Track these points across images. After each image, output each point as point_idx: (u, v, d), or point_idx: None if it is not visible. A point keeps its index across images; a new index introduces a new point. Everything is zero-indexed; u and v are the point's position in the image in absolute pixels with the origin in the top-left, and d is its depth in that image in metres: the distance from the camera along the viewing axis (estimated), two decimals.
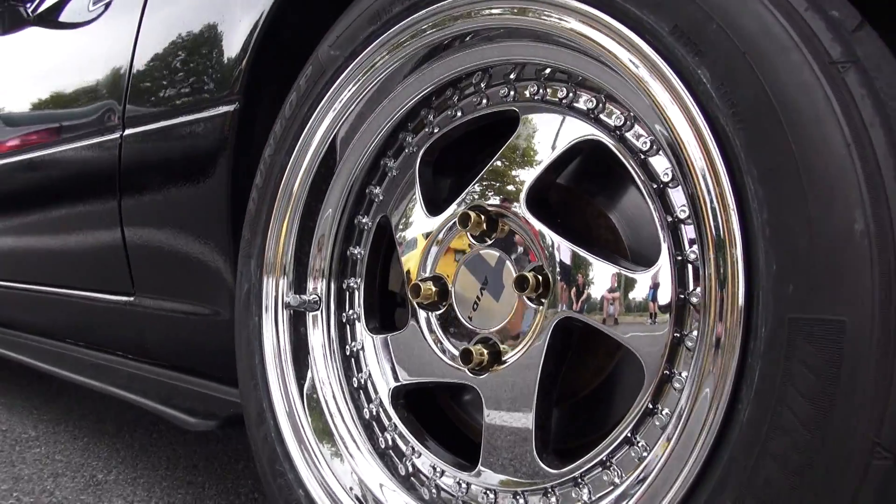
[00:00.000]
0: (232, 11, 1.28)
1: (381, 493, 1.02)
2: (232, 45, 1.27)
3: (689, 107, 0.69)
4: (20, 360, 2.08)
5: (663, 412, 0.80)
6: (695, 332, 0.78)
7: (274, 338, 1.13)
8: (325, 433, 1.08)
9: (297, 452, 1.05)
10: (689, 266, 0.80)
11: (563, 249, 0.88)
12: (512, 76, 1.00)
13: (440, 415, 1.15)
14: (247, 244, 1.19)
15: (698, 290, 0.78)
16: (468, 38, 0.98)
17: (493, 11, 0.89)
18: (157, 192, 1.52)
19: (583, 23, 0.79)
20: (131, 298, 1.71)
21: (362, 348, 1.15)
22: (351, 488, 1.02)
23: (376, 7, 1.02)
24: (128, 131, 1.58)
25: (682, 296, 0.80)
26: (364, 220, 1.17)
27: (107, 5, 1.81)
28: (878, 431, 0.57)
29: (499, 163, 0.96)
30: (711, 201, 0.68)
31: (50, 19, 2.13)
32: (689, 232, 0.80)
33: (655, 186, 0.83)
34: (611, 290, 0.84)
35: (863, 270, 0.58)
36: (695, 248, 0.79)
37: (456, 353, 0.98)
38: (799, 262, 0.60)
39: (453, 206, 1.00)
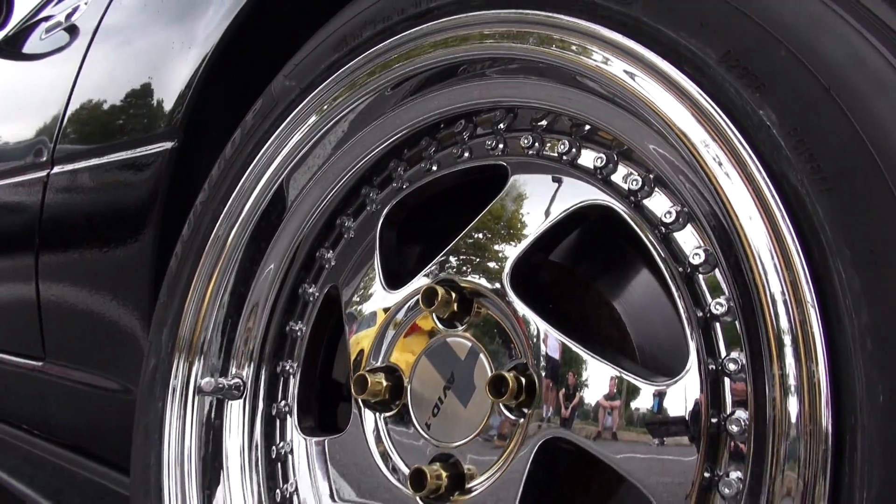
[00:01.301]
0: (180, 42, 1.10)
1: None
2: (176, 78, 1.09)
3: (746, 161, 0.50)
4: None
5: None
6: (734, 474, 0.56)
7: (178, 431, 0.88)
8: None
9: None
10: (727, 380, 0.58)
11: (555, 344, 0.67)
12: (501, 125, 0.81)
13: None
14: (162, 309, 0.97)
15: (739, 412, 0.57)
16: (449, 74, 0.80)
17: (486, 36, 0.71)
18: (78, 241, 1.30)
19: (595, 49, 0.61)
20: (40, 364, 1.46)
21: (291, 451, 0.90)
22: None
23: (343, 31, 0.84)
24: (56, 169, 1.37)
25: (716, 419, 0.58)
26: (311, 290, 0.95)
27: (68, 34, 1.64)
28: None
29: (479, 228, 0.76)
30: (773, 293, 0.47)
31: (10, 49, 1.96)
32: (726, 334, 0.59)
33: (682, 270, 0.63)
34: (617, 405, 0.62)
35: None
36: (735, 355, 0.58)
37: (406, 471, 0.74)
38: None
39: (418, 279, 0.79)
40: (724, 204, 0.51)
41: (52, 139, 1.40)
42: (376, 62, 0.79)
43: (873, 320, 0.42)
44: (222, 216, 0.93)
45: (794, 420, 0.45)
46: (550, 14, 0.66)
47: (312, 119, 0.87)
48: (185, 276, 0.94)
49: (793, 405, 0.45)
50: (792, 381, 0.46)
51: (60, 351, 1.40)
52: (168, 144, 1.08)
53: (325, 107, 0.86)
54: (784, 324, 0.46)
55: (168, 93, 1.11)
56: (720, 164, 0.51)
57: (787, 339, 0.46)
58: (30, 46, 1.79)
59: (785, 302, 0.46)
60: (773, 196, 0.48)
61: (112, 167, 1.21)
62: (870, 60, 0.46)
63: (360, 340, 0.84)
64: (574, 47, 0.62)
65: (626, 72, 0.58)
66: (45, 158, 1.40)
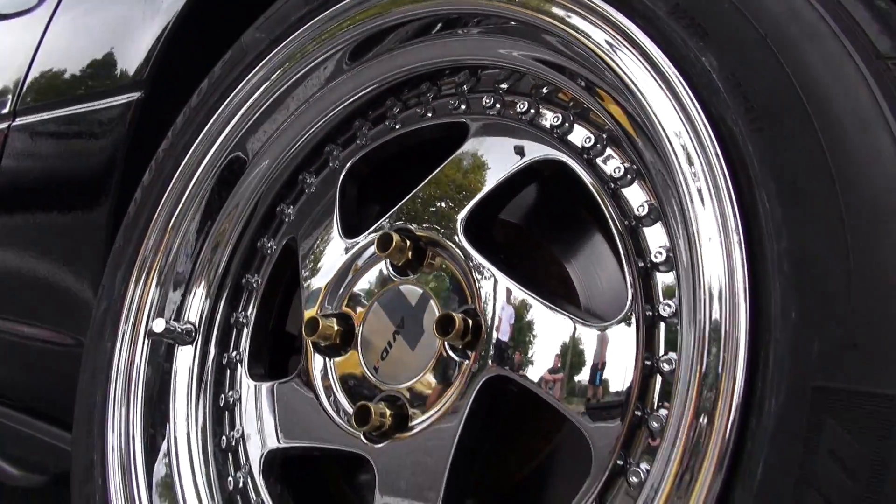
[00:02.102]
0: None
1: None
2: (145, 31, 1.09)
3: (686, 104, 0.53)
4: None
5: None
6: (663, 411, 0.59)
7: (126, 371, 0.88)
8: None
9: None
10: (662, 325, 0.61)
11: (503, 289, 0.69)
12: (465, 87, 0.84)
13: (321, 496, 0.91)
14: (117, 253, 0.96)
15: (671, 354, 0.60)
16: (420, 32, 0.82)
17: None
18: (36, 194, 1.29)
19: (557, 3, 0.64)
20: None
21: (239, 399, 0.91)
22: None
23: None
24: (18, 121, 1.35)
25: (649, 362, 0.61)
26: (269, 244, 0.96)
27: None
28: None
29: (437, 181, 0.78)
30: (706, 228, 0.50)
31: None
32: (664, 281, 0.63)
33: (627, 224, 0.66)
34: (558, 347, 0.65)
35: None
36: (670, 301, 0.61)
37: (351, 411, 0.75)
38: (831, 310, 0.43)
39: (376, 228, 0.81)
40: (665, 147, 0.54)
41: (15, 92, 1.38)
42: (346, 15, 0.81)
43: (790, 245, 0.45)
44: (183, 163, 0.93)
45: (719, 341, 0.48)
46: None
47: (279, 72, 0.89)
48: (143, 222, 0.94)
49: (718, 328, 0.48)
50: (716, 305, 0.48)
51: (8, 307, 1.38)
52: (134, 95, 1.08)
53: (293, 60, 0.87)
54: (712, 250, 0.49)
55: (137, 45, 1.10)
56: (663, 106, 0.54)
57: (715, 267, 0.49)
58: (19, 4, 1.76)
59: (708, 236, 0.49)
60: (708, 136, 0.51)
61: (77, 118, 1.20)
62: (804, 13, 0.50)
63: (314, 287, 0.85)
64: (535, 2, 0.65)
65: (582, 28, 0.61)
66: (6, 111, 1.38)
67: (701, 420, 0.48)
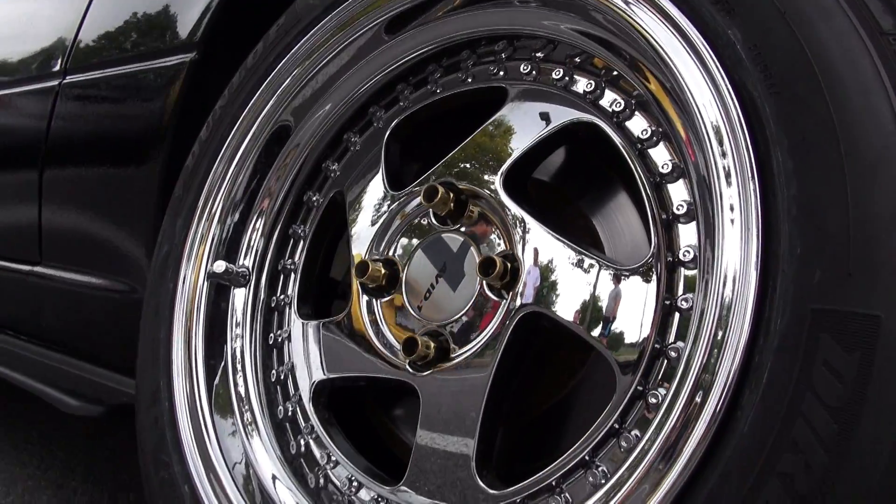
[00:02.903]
0: None
1: (285, 496, 0.85)
2: None
3: (714, 71, 0.60)
4: None
5: (632, 433, 0.68)
6: (680, 343, 0.67)
7: (187, 309, 0.97)
8: (227, 429, 0.92)
9: (189, 442, 0.88)
10: (682, 269, 0.70)
11: (538, 236, 0.77)
12: (503, 54, 0.91)
13: (363, 428, 1.00)
14: (176, 201, 1.05)
15: (689, 295, 0.68)
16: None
17: None
18: (87, 150, 1.37)
19: None
20: (35, 268, 1.52)
21: (288, 337, 1.00)
22: (255, 492, 0.85)
23: None
24: (69, 78, 1.43)
25: (669, 301, 0.69)
26: (315, 197, 1.04)
27: None
28: None
29: (479, 139, 0.86)
30: (728, 176, 0.58)
31: None
32: (684, 231, 0.71)
33: (652, 180, 0.74)
34: (587, 287, 0.73)
35: None
36: (689, 249, 0.69)
37: (398, 345, 0.84)
38: (830, 246, 0.51)
39: (421, 181, 0.89)
40: (693, 108, 0.62)
41: (66, 51, 1.45)
42: None
43: (799, 192, 0.53)
44: (240, 120, 1.01)
45: (730, 272, 0.56)
46: None
47: (332, 38, 0.96)
48: (202, 173, 1.02)
49: (730, 260, 0.56)
50: (732, 246, 0.57)
51: (59, 255, 1.46)
52: (188, 56, 1.15)
53: (345, 27, 0.95)
54: (731, 199, 0.57)
55: (191, 6, 1.17)
56: (693, 76, 0.62)
57: (733, 213, 0.57)
58: None
59: (730, 182, 0.57)
60: (731, 98, 0.59)
61: (129, 77, 1.27)
62: None
63: (362, 236, 0.93)
64: None
65: (621, 4, 0.68)
66: (57, 68, 1.46)
67: (715, 343, 0.56)
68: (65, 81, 1.44)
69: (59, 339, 1.53)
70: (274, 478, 0.88)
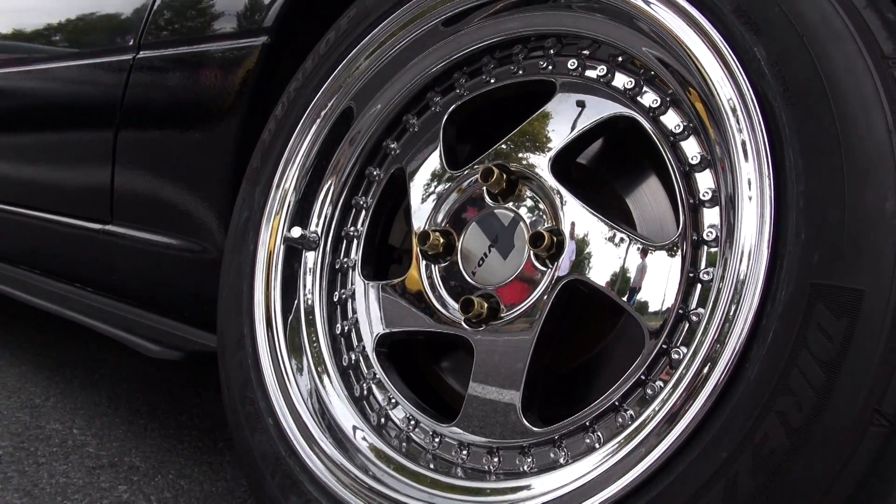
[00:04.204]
0: None
1: (353, 434, 1.00)
2: None
3: (741, 82, 0.72)
4: None
5: (656, 383, 0.82)
6: (701, 309, 0.80)
7: (266, 268, 1.11)
8: (302, 371, 1.06)
9: (272, 381, 1.02)
10: (704, 247, 0.82)
11: (580, 214, 0.90)
12: (552, 50, 1.02)
13: (414, 374, 1.14)
14: (254, 172, 1.18)
15: (710, 269, 0.80)
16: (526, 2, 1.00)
17: None
18: (160, 120, 1.49)
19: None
20: (107, 227, 1.66)
21: (352, 296, 1.14)
22: (328, 425, 1.00)
23: None
24: (142, 53, 1.55)
25: (692, 274, 0.82)
26: (376, 172, 1.17)
27: None
28: (881, 400, 0.59)
29: (530, 126, 0.98)
30: (748, 172, 0.70)
31: None
32: (708, 214, 0.83)
33: (682, 169, 0.86)
34: (623, 259, 0.86)
35: (887, 246, 0.61)
36: (712, 230, 0.81)
37: (455, 305, 0.98)
38: (827, 232, 0.63)
39: (476, 163, 1.01)
40: (720, 111, 0.74)
41: (140, 26, 1.57)
42: None
43: (806, 188, 0.65)
44: (314, 102, 1.13)
45: (746, 251, 0.68)
46: None
47: (398, 30, 1.08)
48: (279, 147, 1.15)
49: (747, 242, 0.69)
50: (749, 230, 0.69)
51: (129, 215, 1.60)
52: (260, 40, 1.27)
53: (412, 22, 1.06)
54: (750, 190, 0.69)
55: None
56: (723, 84, 0.74)
57: (751, 203, 0.69)
58: None
59: (749, 179, 0.69)
60: (755, 106, 0.70)
61: (202, 55, 1.40)
62: (832, 20, 0.68)
63: (421, 209, 1.06)
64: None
65: (665, 14, 0.80)
66: (131, 43, 1.58)
67: (731, 309, 0.69)
68: (138, 56, 1.56)
69: (129, 294, 1.68)
70: (343, 414, 1.03)
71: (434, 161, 1.09)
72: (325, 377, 1.07)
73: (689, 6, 0.77)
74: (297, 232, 1.09)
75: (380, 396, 1.06)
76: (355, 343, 1.11)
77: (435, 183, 1.07)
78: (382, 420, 1.04)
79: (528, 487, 0.82)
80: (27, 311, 1.98)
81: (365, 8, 1.11)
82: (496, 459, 0.92)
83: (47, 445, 1.31)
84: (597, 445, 0.84)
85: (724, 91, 0.73)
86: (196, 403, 1.91)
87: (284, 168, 1.14)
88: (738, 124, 0.72)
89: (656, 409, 0.73)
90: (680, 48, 0.78)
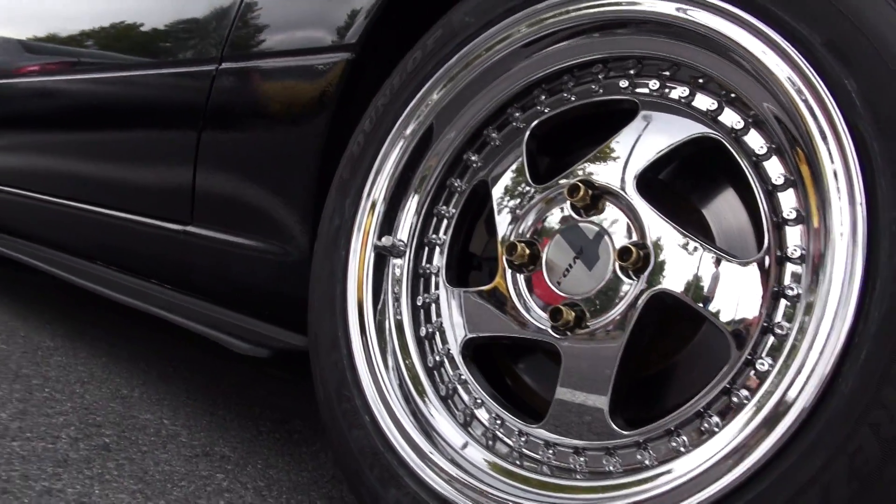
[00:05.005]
0: None
1: (442, 430, 1.07)
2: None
3: (831, 111, 0.77)
4: (56, 274, 2.11)
5: (741, 392, 0.87)
6: (785, 324, 0.85)
7: (358, 273, 1.18)
8: (393, 371, 1.13)
9: (367, 381, 1.10)
10: (789, 264, 0.87)
11: (665, 230, 0.95)
12: (632, 71, 1.07)
13: (493, 374, 1.21)
14: (343, 183, 1.25)
15: (794, 285, 0.85)
16: (601, 28, 1.05)
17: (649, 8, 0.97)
18: (242, 128, 1.57)
19: (736, 29, 0.87)
20: (187, 227, 1.75)
21: (435, 300, 1.20)
22: (419, 422, 1.07)
23: None
24: (224, 65, 1.63)
25: (777, 289, 0.87)
26: (457, 183, 1.24)
27: None
28: None
29: (614, 144, 1.03)
30: (839, 198, 0.75)
31: None
32: (792, 233, 0.88)
33: (765, 188, 0.91)
34: (708, 273, 0.91)
35: None
36: (796, 248, 0.86)
37: (541, 312, 1.04)
38: None
39: (561, 177, 1.07)
40: (810, 139, 0.79)
41: (224, 35, 1.65)
42: (555, 10, 1.05)
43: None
44: (401, 117, 1.20)
45: (838, 272, 0.73)
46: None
47: (485, 52, 1.14)
48: (368, 160, 1.22)
49: (838, 263, 0.73)
50: (842, 252, 0.74)
51: (210, 217, 1.68)
52: (345, 56, 1.34)
53: (498, 44, 1.12)
54: (842, 214, 0.74)
55: (347, 13, 1.35)
56: (815, 115, 0.78)
57: (842, 227, 0.74)
58: None
59: (841, 204, 0.74)
60: (846, 135, 0.75)
61: (284, 69, 1.47)
62: None
63: (506, 221, 1.12)
64: (722, 27, 0.88)
65: (759, 48, 0.84)
66: (214, 54, 1.66)
67: (823, 326, 0.74)
68: (221, 67, 1.64)
69: (208, 292, 1.77)
70: (432, 412, 1.10)
71: (517, 174, 1.14)
72: (413, 377, 1.14)
73: (782, 40, 0.81)
74: (388, 241, 1.16)
75: (465, 396, 1.13)
76: (440, 345, 1.18)
77: (519, 195, 1.13)
78: (468, 418, 1.11)
79: (619, 487, 0.88)
80: (85, 305, 2.08)
81: (452, 29, 1.17)
82: (582, 459, 0.98)
83: (145, 434, 1.40)
84: (682, 449, 0.90)
85: (815, 121, 0.78)
86: (262, 396, 2.01)
87: (374, 180, 1.21)
88: (829, 152, 0.77)
89: (748, 417, 0.79)
90: (769, 80, 0.83)
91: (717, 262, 0.91)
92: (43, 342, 2.07)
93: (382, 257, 1.22)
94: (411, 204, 1.23)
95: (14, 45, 2.63)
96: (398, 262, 1.22)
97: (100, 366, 1.94)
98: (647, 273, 0.95)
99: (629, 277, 0.97)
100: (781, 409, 0.74)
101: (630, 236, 0.99)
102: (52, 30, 2.43)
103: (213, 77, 1.65)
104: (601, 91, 1.11)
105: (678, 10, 0.95)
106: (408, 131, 1.20)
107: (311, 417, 1.89)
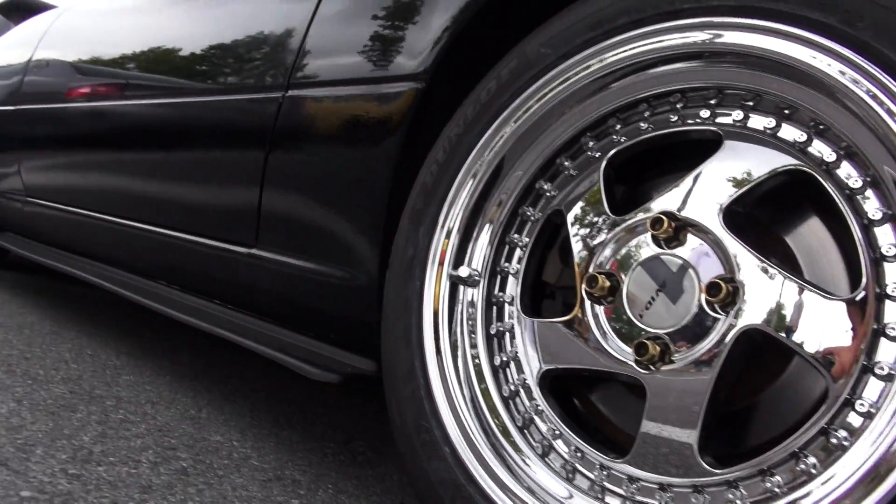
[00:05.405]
0: None
1: (521, 462, 1.07)
2: (430, 26, 1.35)
3: None
4: (120, 293, 2.17)
5: (840, 433, 0.85)
6: (886, 362, 0.83)
7: (433, 303, 1.19)
8: (471, 401, 1.14)
9: (446, 411, 1.10)
10: (887, 301, 0.85)
11: (753, 264, 0.94)
12: (713, 101, 1.06)
13: (568, 404, 1.20)
14: (417, 213, 1.26)
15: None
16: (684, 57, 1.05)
17: (730, 40, 0.96)
18: (310, 155, 1.60)
19: (830, 60, 0.86)
20: (252, 250, 1.78)
21: (509, 330, 1.20)
22: (499, 453, 1.07)
23: (600, 16, 1.09)
24: (291, 92, 1.66)
25: (877, 327, 0.85)
26: (529, 212, 1.24)
27: None
28: None
29: (699, 176, 1.02)
30: None
31: None
32: (892, 269, 0.86)
33: (861, 223, 0.89)
34: (804, 310, 0.89)
35: None
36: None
37: (623, 345, 1.03)
38: None
39: (640, 210, 1.06)
40: None
41: (290, 62, 1.68)
42: (632, 42, 1.05)
43: None
44: (476, 148, 1.21)
45: None
46: (788, 27, 0.91)
47: (561, 83, 1.14)
48: (442, 190, 1.23)
49: None
50: None
51: (275, 240, 1.71)
52: (416, 85, 1.35)
53: (576, 75, 1.12)
54: None
55: (420, 35, 1.36)
56: None
57: None
58: None
59: None
60: None
61: (354, 97, 1.49)
62: None
63: (586, 250, 1.12)
64: (811, 57, 0.87)
65: (853, 79, 0.83)
66: (280, 82, 1.69)
67: None
68: (286, 94, 1.67)
69: (271, 313, 1.80)
70: (511, 443, 1.10)
71: (594, 204, 1.14)
72: (490, 407, 1.14)
73: (883, 75, 0.80)
74: (464, 271, 1.17)
75: (542, 427, 1.13)
76: (514, 375, 1.18)
77: (597, 226, 1.12)
78: (546, 449, 1.11)
79: None
80: (142, 322, 2.13)
81: (527, 60, 1.18)
82: (668, 496, 0.97)
83: (218, 457, 1.43)
84: (776, 490, 0.88)
85: None
86: (321, 414, 2.03)
87: (448, 209, 1.22)
88: None
89: (856, 459, 0.77)
90: (873, 120, 0.81)
91: (810, 298, 0.89)
92: (109, 360, 2.13)
93: (455, 286, 1.23)
94: (484, 233, 1.24)
95: (87, 70, 2.72)
96: (472, 290, 1.22)
97: (165, 384, 1.98)
98: (736, 308, 0.93)
99: (716, 312, 0.96)
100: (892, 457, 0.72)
101: (717, 270, 0.97)
102: (124, 58, 2.51)
103: (279, 104, 1.68)
104: (679, 121, 1.10)
105: (765, 42, 0.94)
106: (481, 162, 1.21)
107: (371, 437, 1.90)
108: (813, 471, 0.85)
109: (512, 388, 1.17)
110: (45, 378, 1.69)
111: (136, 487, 1.15)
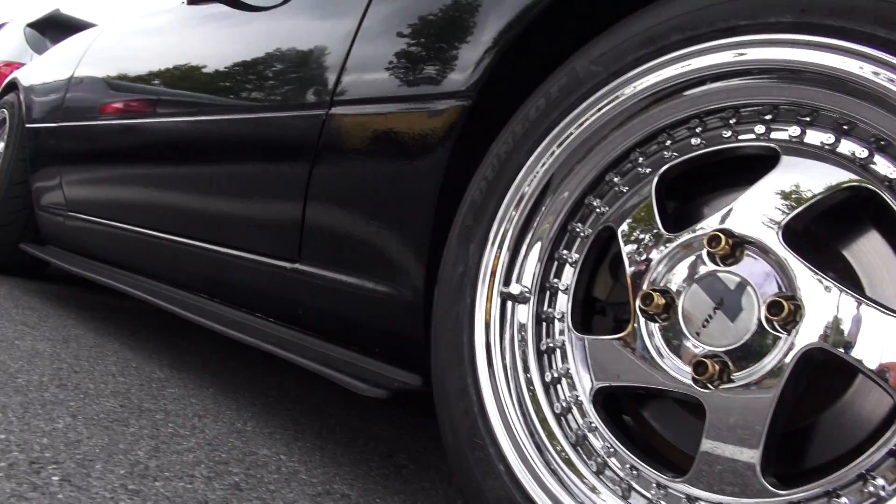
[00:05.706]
0: (483, 12, 1.37)
1: (578, 481, 1.07)
2: (476, 44, 1.36)
3: None
4: (163, 306, 2.20)
5: None
6: None
7: (485, 320, 1.20)
8: (524, 419, 1.14)
9: (500, 429, 1.11)
10: None
11: (815, 282, 0.93)
12: (767, 116, 1.06)
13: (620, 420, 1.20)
14: (467, 230, 1.27)
15: None
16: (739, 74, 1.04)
17: (786, 57, 0.96)
18: (354, 171, 1.61)
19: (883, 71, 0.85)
20: (295, 265, 1.81)
21: (561, 346, 1.20)
22: (554, 472, 1.07)
23: (652, 33, 1.09)
24: (335, 109, 1.69)
25: None
26: (579, 228, 1.24)
27: None
28: None
29: (757, 193, 1.01)
30: None
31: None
32: None
33: None
34: (869, 330, 0.88)
35: None
36: None
37: (680, 364, 1.03)
38: None
39: (696, 228, 1.06)
40: None
41: (333, 80, 1.70)
42: (684, 59, 1.05)
43: None
44: (525, 166, 1.21)
45: None
46: (849, 43, 0.90)
47: (611, 100, 1.14)
48: (491, 208, 1.24)
49: None
50: None
51: (318, 256, 1.73)
52: (462, 102, 1.37)
53: (626, 92, 1.12)
54: None
55: (467, 56, 1.37)
56: None
57: None
58: None
59: None
60: None
61: (399, 114, 1.51)
62: None
63: (640, 267, 1.12)
64: (873, 73, 0.86)
65: None
66: (326, 99, 1.72)
67: None
68: (330, 111, 1.70)
69: (315, 328, 1.82)
70: (566, 459, 1.10)
71: (645, 220, 1.14)
72: (543, 423, 1.14)
73: None
74: (515, 288, 1.17)
75: (596, 444, 1.12)
76: (566, 391, 1.18)
77: (649, 242, 1.12)
78: (600, 467, 1.11)
79: None
80: (182, 335, 2.16)
81: (577, 78, 1.18)
82: None
83: (268, 472, 1.45)
84: None
85: None
86: (362, 427, 2.04)
87: (498, 227, 1.23)
88: None
89: None
90: None
91: (875, 317, 0.88)
92: (153, 373, 2.16)
93: (505, 304, 1.23)
94: (534, 249, 1.24)
95: (127, 87, 2.78)
96: (522, 307, 1.23)
97: (209, 397, 2.00)
98: (798, 327, 0.93)
99: (777, 330, 0.95)
100: None
101: (776, 288, 0.97)
102: (164, 75, 2.57)
103: (323, 121, 1.70)
104: (732, 136, 1.09)
105: (824, 59, 0.94)
106: (531, 178, 1.21)
107: (413, 450, 1.91)
108: (882, 493, 0.84)
109: (564, 404, 1.17)
110: (96, 392, 1.72)
111: (193, 503, 1.17)
